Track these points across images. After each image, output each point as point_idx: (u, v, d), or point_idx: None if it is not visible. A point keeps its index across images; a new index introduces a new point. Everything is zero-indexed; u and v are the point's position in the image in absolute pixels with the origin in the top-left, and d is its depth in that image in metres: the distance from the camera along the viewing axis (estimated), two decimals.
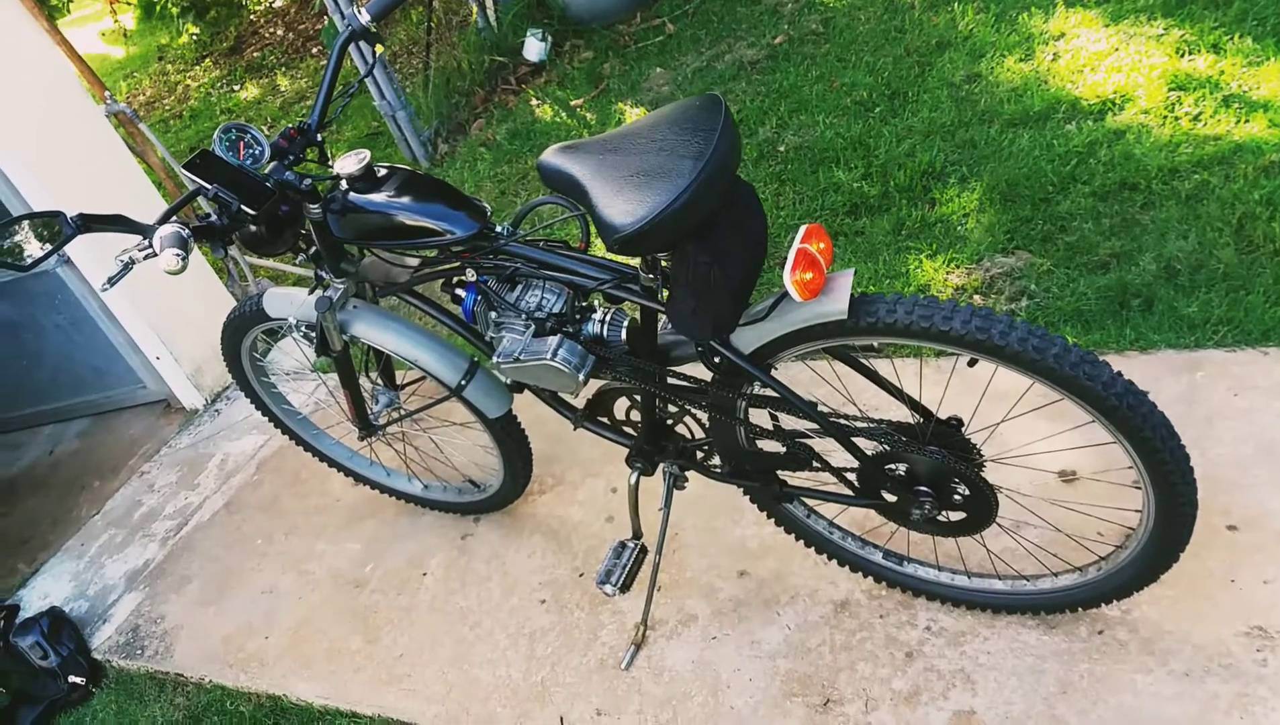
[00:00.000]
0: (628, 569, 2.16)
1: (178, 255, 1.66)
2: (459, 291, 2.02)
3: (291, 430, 2.83)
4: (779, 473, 1.97)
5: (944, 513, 1.81)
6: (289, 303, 2.31)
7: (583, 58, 5.16)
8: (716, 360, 1.74)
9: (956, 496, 1.76)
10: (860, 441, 1.78)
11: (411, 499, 2.85)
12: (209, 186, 1.80)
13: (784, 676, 2.08)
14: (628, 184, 1.51)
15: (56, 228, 1.70)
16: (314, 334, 2.26)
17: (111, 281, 1.72)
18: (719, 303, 1.57)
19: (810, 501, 2.09)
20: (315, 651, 2.57)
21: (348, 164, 1.88)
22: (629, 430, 2.18)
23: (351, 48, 2.10)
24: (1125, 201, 2.82)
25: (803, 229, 1.54)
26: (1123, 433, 1.54)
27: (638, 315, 1.85)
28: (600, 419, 2.19)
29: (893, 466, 1.77)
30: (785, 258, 1.53)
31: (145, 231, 1.73)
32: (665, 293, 1.68)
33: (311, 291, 2.24)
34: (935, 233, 3.03)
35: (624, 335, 1.90)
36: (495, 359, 1.94)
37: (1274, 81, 2.98)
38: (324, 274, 2.15)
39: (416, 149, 4.80)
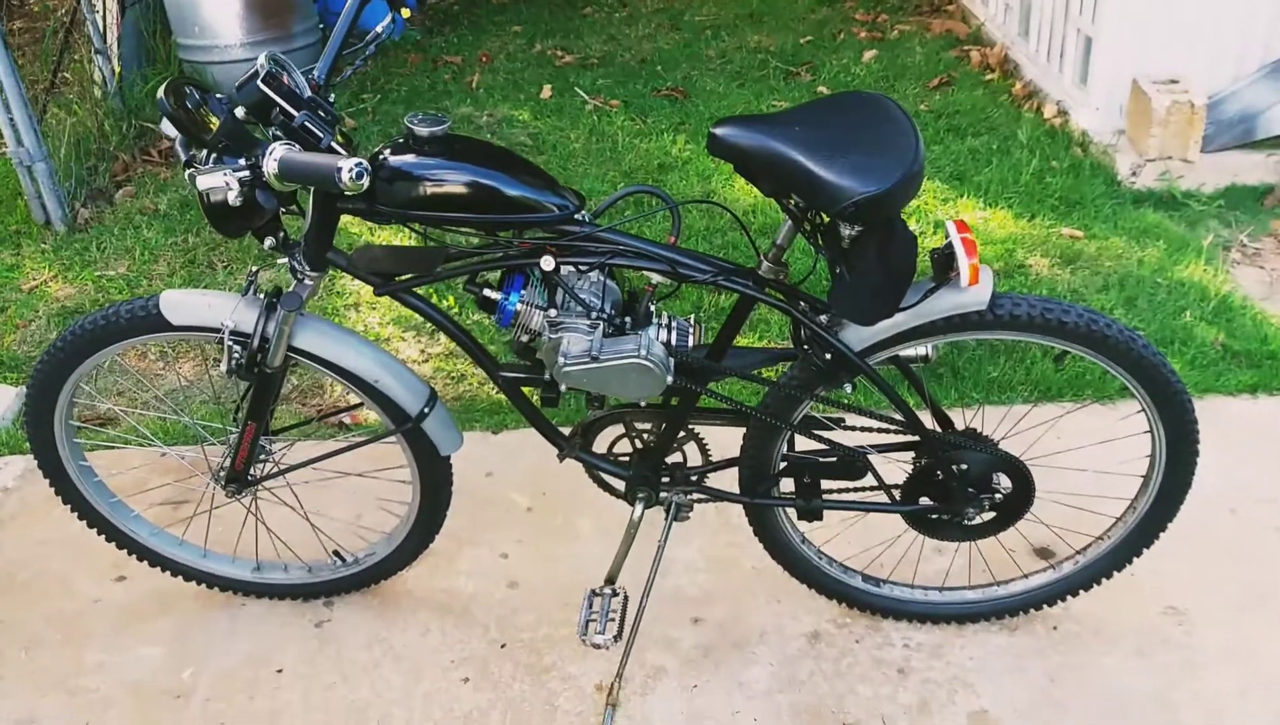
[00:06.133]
0: (617, 615, 1.98)
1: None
2: (487, 293, 1.76)
3: (83, 498, 2.12)
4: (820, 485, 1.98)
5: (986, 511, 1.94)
6: (202, 307, 1.82)
7: None
8: (828, 356, 1.74)
9: (999, 493, 1.91)
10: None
11: (231, 586, 2.26)
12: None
13: (789, 710, 2.02)
14: (853, 150, 1.51)
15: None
16: (238, 347, 1.81)
17: None
18: (904, 281, 1.61)
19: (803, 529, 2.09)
20: None
21: (425, 123, 1.61)
22: (621, 459, 2.03)
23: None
24: None
25: (951, 223, 1.65)
26: (1167, 418, 1.82)
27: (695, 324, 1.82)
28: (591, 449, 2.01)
29: (953, 467, 1.88)
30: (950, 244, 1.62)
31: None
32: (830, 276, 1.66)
33: (247, 291, 1.81)
34: None
35: (690, 342, 1.81)
36: (560, 360, 1.71)
37: None
38: (298, 264, 1.75)
39: (53, 210, 3.96)
